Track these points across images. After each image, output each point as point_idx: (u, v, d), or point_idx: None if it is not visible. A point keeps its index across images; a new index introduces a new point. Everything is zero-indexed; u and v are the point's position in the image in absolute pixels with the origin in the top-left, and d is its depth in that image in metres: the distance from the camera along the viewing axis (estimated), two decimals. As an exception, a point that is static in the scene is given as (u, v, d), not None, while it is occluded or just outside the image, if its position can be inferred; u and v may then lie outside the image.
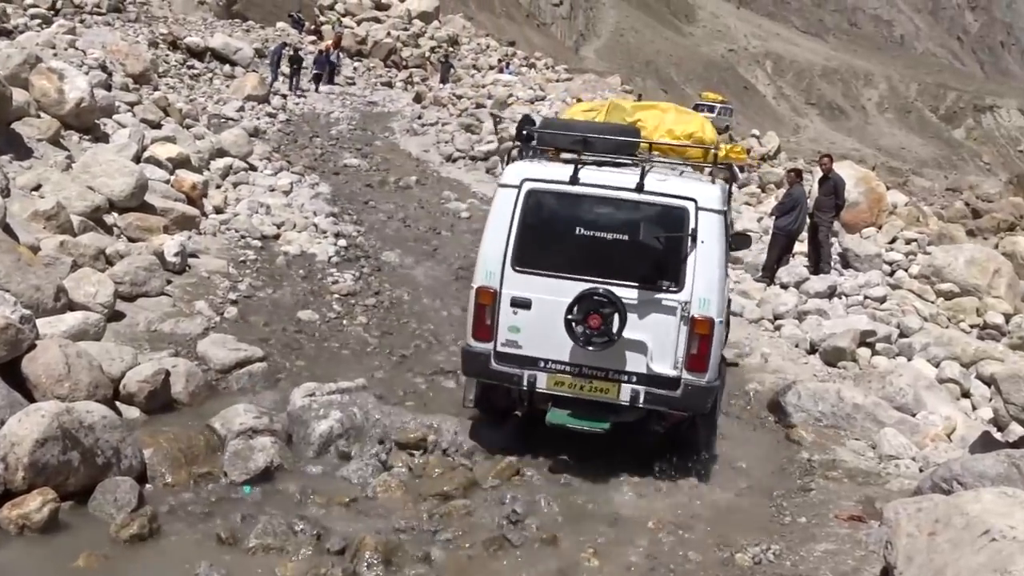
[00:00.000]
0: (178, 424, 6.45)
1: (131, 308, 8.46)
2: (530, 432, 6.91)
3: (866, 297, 12.20)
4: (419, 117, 27.41)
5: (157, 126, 15.14)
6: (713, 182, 6.89)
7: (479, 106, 26.69)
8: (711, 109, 44.82)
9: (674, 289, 6.41)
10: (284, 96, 28.71)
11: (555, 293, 6.49)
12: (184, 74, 27.02)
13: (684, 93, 79.65)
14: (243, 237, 11.96)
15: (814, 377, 9.61)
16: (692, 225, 6.40)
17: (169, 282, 9.35)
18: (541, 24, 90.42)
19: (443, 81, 35.68)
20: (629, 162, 6.92)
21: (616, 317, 6.31)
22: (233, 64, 30.05)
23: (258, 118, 24.26)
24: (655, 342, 6.43)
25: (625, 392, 6.49)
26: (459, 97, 28.42)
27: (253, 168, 15.99)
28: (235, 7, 40.12)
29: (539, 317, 6.55)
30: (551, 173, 6.68)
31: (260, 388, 7.54)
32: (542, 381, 6.59)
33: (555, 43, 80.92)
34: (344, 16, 44.33)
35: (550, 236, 6.63)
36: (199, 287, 9.61)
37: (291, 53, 31.38)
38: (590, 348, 6.35)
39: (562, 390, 6.59)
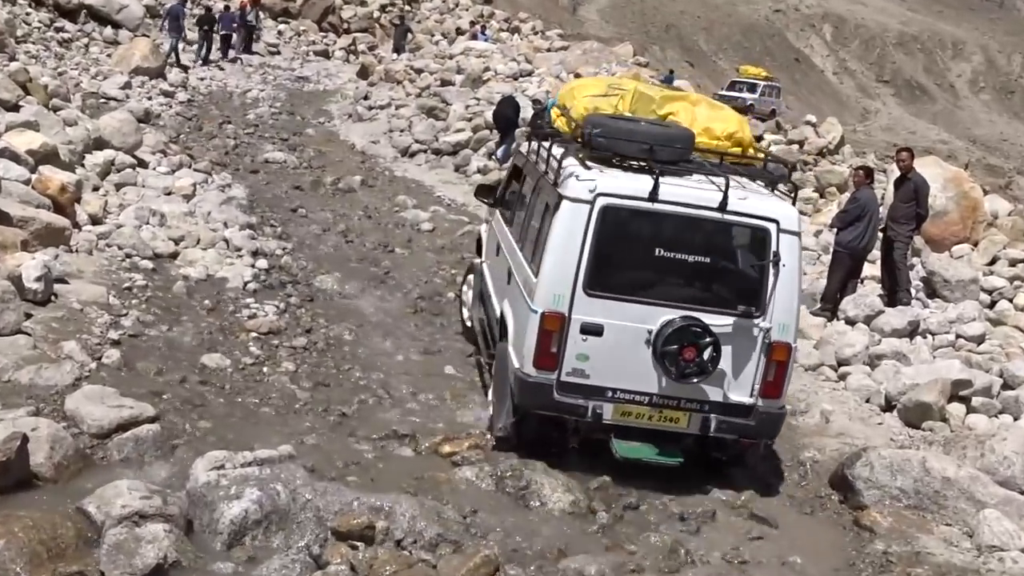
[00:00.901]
0: (39, 507, 6.38)
1: (-24, 351, 8.41)
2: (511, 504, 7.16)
3: (958, 336, 12.31)
4: (365, 97, 27.62)
5: (14, 108, 15.12)
6: (794, 201, 8.29)
7: (445, 83, 26.88)
8: (752, 88, 45.48)
9: (757, 315, 7.89)
10: (185, 69, 28.92)
11: (631, 319, 7.85)
12: (51, 39, 27.15)
13: (715, 66, 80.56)
14: (129, 256, 11.96)
15: (891, 443, 9.66)
16: (774, 248, 7.82)
17: (29, 316, 9.30)
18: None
19: (397, 50, 35.98)
20: (696, 172, 8.27)
21: (710, 349, 7.74)
22: (116, 27, 30.29)
23: (150, 98, 24.38)
24: (734, 369, 7.94)
25: (696, 421, 8.02)
26: (418, 71, 28.62)
27: (143, 164, 16.02)
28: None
29: (611, 344, 7.87)
30: (627, 187, 7.84)
31: (150, 458, 7.51)
32: (608, 412, 7.99)
33: (545, 1, 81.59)
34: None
35: (626, 257, 7.90)
36: (69, 323, 9.58)
37: (200, 13, 31.61)
38: (683, 380, 7.82)
39: (629, 420, 8.03)
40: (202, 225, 13.83)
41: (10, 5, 27.12)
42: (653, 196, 7.78)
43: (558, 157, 8.38)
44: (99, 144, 15.62)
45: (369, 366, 10.31)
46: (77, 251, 11.58)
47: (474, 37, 36.37)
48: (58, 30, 28.12)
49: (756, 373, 8.00)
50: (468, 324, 11.37)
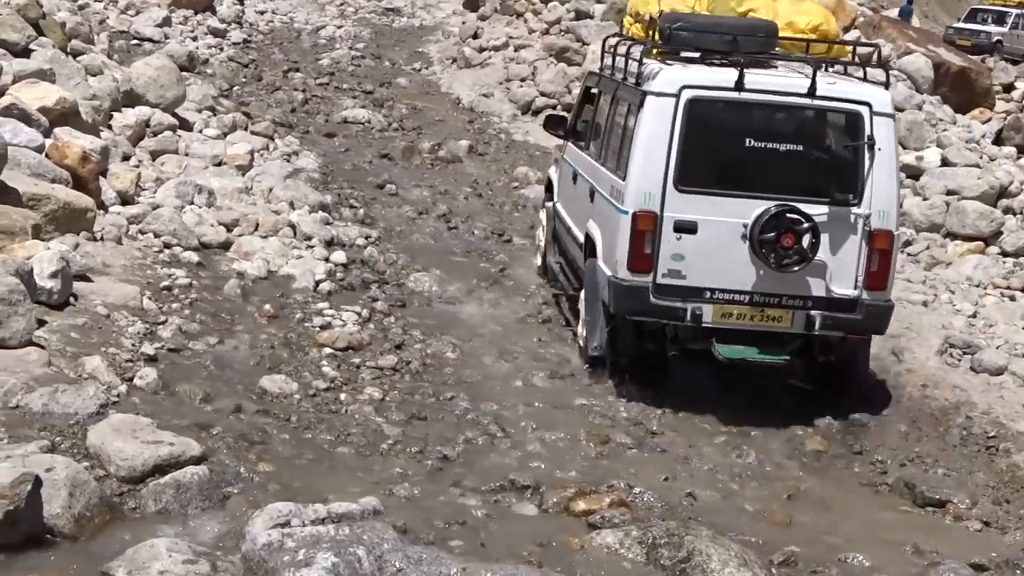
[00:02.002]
0: (54, 570, 6.48)
1: (-23, 367, 8.57)
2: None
3: None
4: (475, 36, 27.71)
5: (23, 52, 15.34)
6: (887, 87, 10.42)
7: (581, 16, 26.79)
8: (1000, 19, 44.21)
9: (855, 202, 10.03)
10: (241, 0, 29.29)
11: (726, 214, 9.95)
12: None
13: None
14: (168, 246, 12.17)
15: None
16: (868, 132, 9.95)
17: (42, 323, 9.43)
18: None
19: (520, -28, 35.93)
20: (785, 63, 10.90)
21: (809, 235, 9.79)
22: (154, -57, 30.83)
23: (195, 38, 24.95)
24: (835, 261, 10.02)
25: (800, 319, 10.13)
26: (546, 0, 28.60)
27: (186, 126, 16.34)
28: None
29: (706, 242, 9.97)
30: (712, 78, 10.08)
31: (196, 510, 7.56)
32: (708, 313, 10.07)
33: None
34: None
35: (716, 150, 10.15)
36: (92, 332, 9.69)
37: None
38: (783, 270, 9.87)
39: (730, 322, 10.13)
40: (261, 206, 14.04)
41: None
42: (740, 85, 9.95)
43: (637, 57, 10.64)
44: (130, 99, 15.94)
45: (478, 394, 10.35)
46: (103, 239, 11.77)
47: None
48: None
49: (859, 264, 10.07)
50: (540, 263, 13.94)
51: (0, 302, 8.96)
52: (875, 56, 11.81)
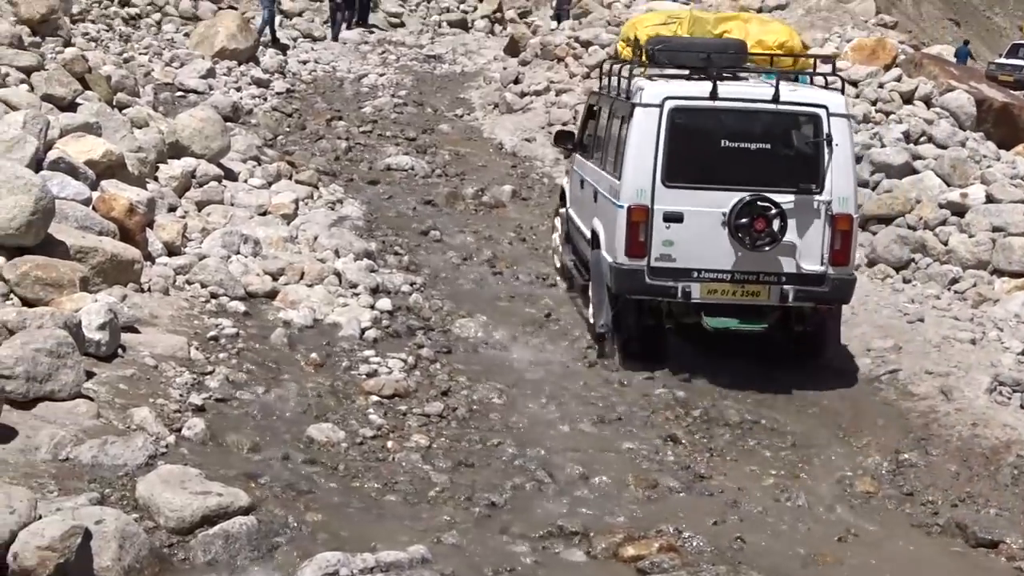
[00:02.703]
0: (105, 623, 6.52)
1: (26, 420, 8.62)
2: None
3: None
4: (516, 81, 27.83)
5: (70, 106, 15.55)
6: (842, 91, 12.45)
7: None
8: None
9: (817, 191, 11.84)
10: (284, 49, 29.50)
11: (707, 204, 11.78)
12: (114, 16, 28.02)
13: (990, 24, 78.29)
14: (214, 296, 12.24)
15: None
16: (826, 130, 11.77)
17: (90, 375, 9.47)
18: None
19: (557, 17, 36.23)
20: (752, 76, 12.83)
21: (778, 220, 11.60)
22: (195, -3, 31.23)
23: (239, 88, 25.20)
24: (803, 242, 11.84)
25: (775, 293, 11.91)
26: (586, 45, 28.69)
27: (231, 176, 16.49)
28: None
29: (692, 229, 11.81)
30: (690, 90, 12.06)
31: (244, 560, 7.57)
32: (696, 291, 11.89)
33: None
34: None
35: (696, 150, 11.91)
36: (140, 383, 9.74)
37: None
38: (756, 249, 11.66)
39: (715, 297, 11.95)
40: (307, 254, 14.11)
41: None
42: (714, 95, 11.83)
43: (627, 76, 12.63)
44: (176, 151, 16.09)
45: (525, 440, 10.34)
46: (150, 290, 11.86)
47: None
48: (123, 3, 29.11)
49: (823, 243, 11.86)
50: (559, 265, 15.68)
51: (49, 355, 9.00)
52: (832, 68, 13.37)
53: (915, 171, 17.53)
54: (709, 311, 12.05)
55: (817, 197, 11.85)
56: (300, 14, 33.48)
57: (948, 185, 17.03)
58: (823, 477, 10.32)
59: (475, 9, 39.63)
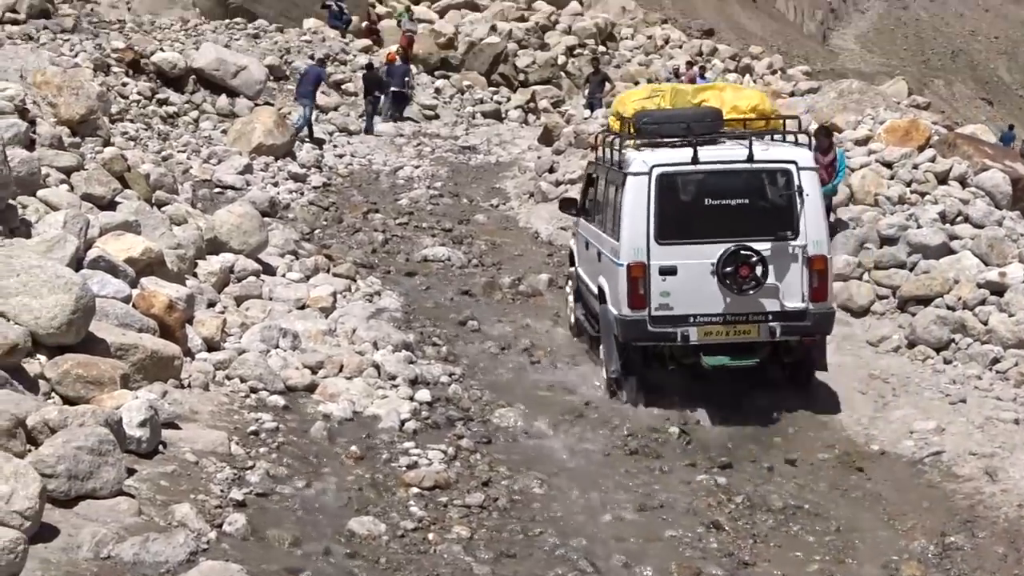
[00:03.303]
0: None
1: (68, 518, 8.64)
2: None
3: None
4: (551, 170, 27.90)
5: (109, 205, 15.76)
6: (809, 147, 14.13)
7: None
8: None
9: (793, 237, 13.25)
10: (320, 144, 29.71)
11: (697, 256, 13.16)
12: (152, 115, 28.29)
13: (1023, 103, 78.44)
14: (254, 391, 12.30)
15: None
16: (797, 183, 13.21)
17: (132, 471, 9.52)
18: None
19: (590, 106, 36.32)
20: (730, 139, 14.15)
21: (760, 265, 13.02)
22: (232, 94, 31.66)
23: (276, 184, 25.38)
24: (785, 283, 13.24)
25: (764, 330, 13.33)
26: (619, 132, 28.79)
27: (269, 270, 16.62)
28: (233, 0, 41.80)
29: (685, 280, 13.22)
30: (673, 157, 13.41)
31: (288, 656, 7.59)
32: (693, 334, 13.30)
33: (785, 27, 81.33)
34: (416, 3, 45.59)
35: (684, 209, 13.32)
36: (181, 479, 9.78)
37: (369, 73, 33.26)
38: (743, 293, 13.07)
39: (711, 338, 13.35)
40: (345, 347, 14.16)
41: (102, 74, 28.29)
42: (695, 160, 13.23)
43: (618, 147, 14.16)
44: (214, 247, 16.26)
45: (567, 529, 10.30)
46: (190, 386, 11.94)
47: (692, 81, 36.54)
48: (161, 103, 29.30)
49: (803, 283, 13.26)
50: (572, 320, 16.89)
51: (90, 453, 9.03)
52: (798, 126, 14.60)
53: (952, 251, 17.42)
54: (706, 351, 13.43)
55: (793, 242, 13.29)
56: (336, 108, 33.73)
57: (986, 264, 16.92)
58: (869, 562, 10.24)
59: (508, 99, 39.86)
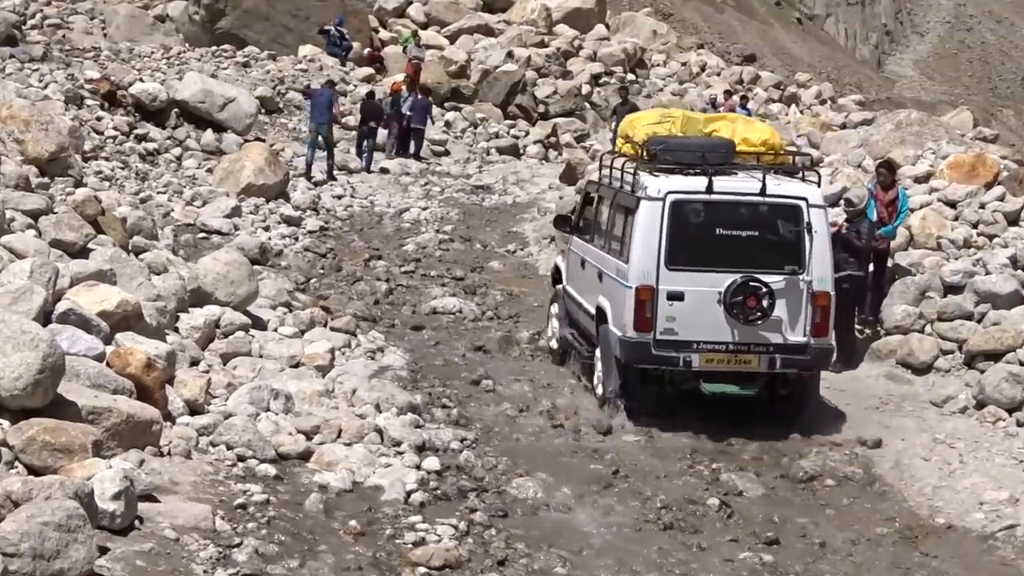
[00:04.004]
0: None
1: (30, 603, 8.63)
2: None
3: None
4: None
5: (82, 252, 15.59)
6: (819, 185, 15.42)
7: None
8: None
9: (800, 272, 14.49)
10: (315, 182, 29.73)
11: (705, 284, 14.45)
12: (130, 152, 28.65)
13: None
14: (242, 459, 12.14)
15: None
16: (806, 219, 14.47)
17: (104, 550, 9.39)
18: (804, 18, 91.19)
19: (618, 141, 36.19)
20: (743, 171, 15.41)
21: (767, 298, 14.32)
22: (219, 129, 31.69)
23: (267, 228, 25.45)
24: (788, 317, 14.53)
25: (765, 361, 14.58)
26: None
27: (259, 324, 16.43)
28: (221, 25, 42.04)
29: (692, 306, 14.49)
30: (688, 185, 14.72)
31: None
32: (696, 360, 14.52)
33: (835, 52, 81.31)
34: (423, 28, 45.67)
35: (695, 237, 14.62)
36: (160, 559, 9.65)
37: (368, 101, 33.29)
38: (749, 324, 14.36)
39: (713, 366, 14.61)
40: (344, 410, 14.00)
41: (75, 108, 28.52)
42: (709, 189, 14.48)
43: (632, 171, 15.27)
44: (198, 298, 16.05)
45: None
46: (170, 454, 11.77)
47: (732, 110, 36.29)
48: (140, 139, 29.62)
49: (805, 318, 14.55)
50: (554, 345, 18.05)
51: (58, 529, 8.85)
52: (810, 163, 16.19)
53: (1025, 300, 16.99)
54: (707, 378, 14.74)
55: (800, 277, 14.55)
56: (336, 143, 33.58)
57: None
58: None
59: (527, 134, 39.70)
